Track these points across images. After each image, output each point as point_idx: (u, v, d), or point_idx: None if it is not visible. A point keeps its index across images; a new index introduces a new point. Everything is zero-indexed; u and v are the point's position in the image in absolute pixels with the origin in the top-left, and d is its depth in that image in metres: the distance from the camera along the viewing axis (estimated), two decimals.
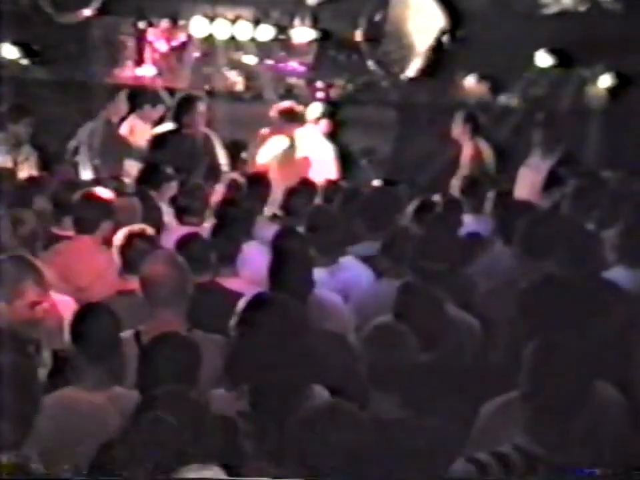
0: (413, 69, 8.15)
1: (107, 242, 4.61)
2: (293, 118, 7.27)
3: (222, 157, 7.02)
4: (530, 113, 7.69)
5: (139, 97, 7.97)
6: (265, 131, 7.37)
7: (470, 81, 8.09)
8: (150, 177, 6.10)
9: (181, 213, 5.41)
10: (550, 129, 7.26)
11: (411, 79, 8.16)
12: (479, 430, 3.05)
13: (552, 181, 6.65)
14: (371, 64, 8.22)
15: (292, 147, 7.22)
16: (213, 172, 6.73)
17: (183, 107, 7.01)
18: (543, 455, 2.68)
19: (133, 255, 4.20)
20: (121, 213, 4.87)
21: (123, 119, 7.75)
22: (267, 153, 7.27)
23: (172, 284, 3.70)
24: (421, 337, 3.18)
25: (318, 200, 5.70)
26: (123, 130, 7.72)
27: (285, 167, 6.85)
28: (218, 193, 6.02)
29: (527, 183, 6.81)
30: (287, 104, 7.51)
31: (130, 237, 4.29)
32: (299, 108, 7.40)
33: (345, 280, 4.41)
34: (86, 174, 7.35)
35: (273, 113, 7.34)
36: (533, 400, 2.75)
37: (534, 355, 2.78)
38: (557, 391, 2.72)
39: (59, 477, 2.79)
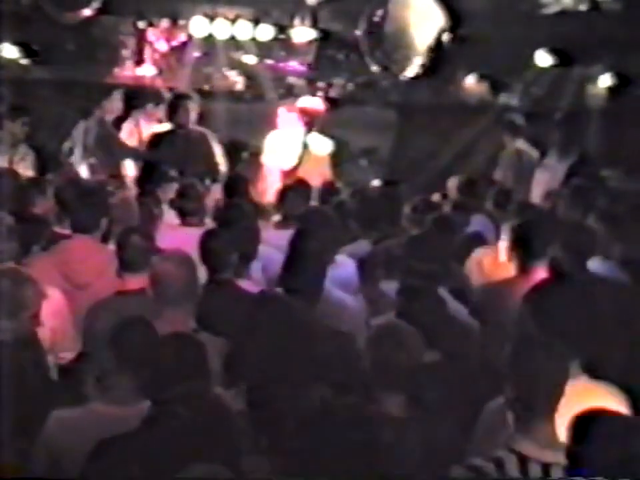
0: (412, 68, 8.16)
1: (106, 240, 4.63)
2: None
3: (219, 157, 7.02)
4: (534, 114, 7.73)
5: (139, 96, 7.99)
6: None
7: (470, 81, 8.10)
8: (149, 177, 6.11)
9: (180, 213, 5.41)
10: (567, 129, 7.28)
11: (411, 79, 8.17)
12: (479, 431, 3.06)
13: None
14: (370, 63, 8.24)
15: None
16: (211, 172, 6.74)
17: (175, 107, 7.02)
18: (536, 457, 2.69)
19: (130, 253, 4.21)
20: (119, 211, 4.88)
21: (119, 118, 7.75)
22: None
23: (180, 283, 3.73)
24: (423, 336, 3.20)
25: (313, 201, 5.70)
26: (125, 129, 7.73)
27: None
28: (215, 192, 6.03)
29: (543, 184, 6.80)
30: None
31: (127, 236, 4.30)
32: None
33: (340, 279, 4.42)
34: (82, 173, 7.35)
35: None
36: (516, 402, 2.77)
37: (513, 356, 2.80)
38: (540, 391, 2.74)
39: (58, 477, 2.81)
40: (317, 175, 6.86)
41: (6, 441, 2.79)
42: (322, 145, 7.62)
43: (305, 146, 7.45)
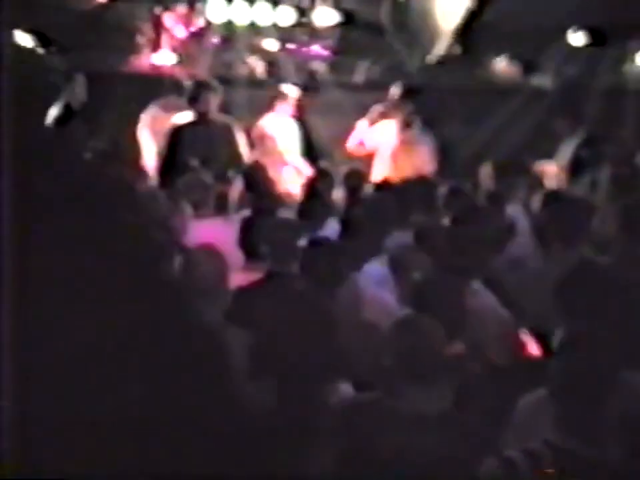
0: (439, 50, 8.18)
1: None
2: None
3: (243, 147, 7.07)
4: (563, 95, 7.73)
5: (157, 85, 8.06)
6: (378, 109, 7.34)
7: (500, 62, 8.12)
8: (170, 168, 6.20)
9: (199, 206, 5.51)
10: (572, 110, 7.29)
11: (438, 62, 8.19)
12: (512, 425, 3.13)
13: (577, 165, 6.68)
14: (396, 46, 8.27)
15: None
16: (234, 162, 6.80)
17: (198, 95, 7.07)
18: (574, 450, 2.75)
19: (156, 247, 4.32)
20: (143, 204, 4.99)
21: (84, 104, 7.76)
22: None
23: (209, 277, 3.85)
24: (445, 328, 3.28)
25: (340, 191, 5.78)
26: (144, 120, 7.81)
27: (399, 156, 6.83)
28: (238, 184, 6.12)
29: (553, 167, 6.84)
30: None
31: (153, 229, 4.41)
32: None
33: (373, 271, 4.50)
34: None
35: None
36: (562, 393, 2.83)
37: (563, 347, 2.86)
38: (587, 383, 2.79)
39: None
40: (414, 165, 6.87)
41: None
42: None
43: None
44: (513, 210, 5.64)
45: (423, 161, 7.17)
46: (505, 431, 3.12)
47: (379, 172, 7.06)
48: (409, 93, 7.28)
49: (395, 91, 7.33)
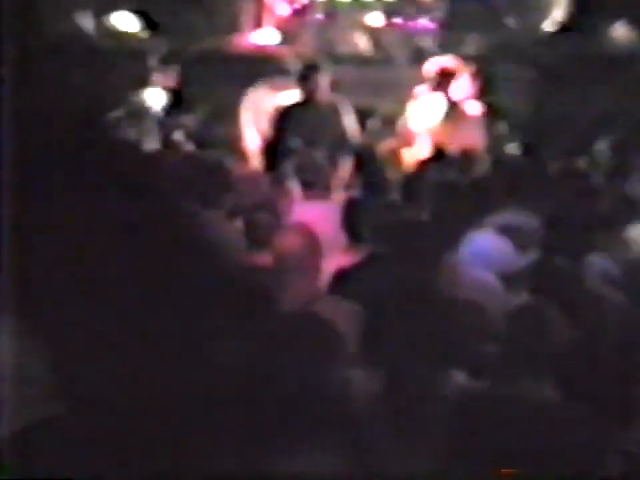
0: (552, 20, 8.03)
1: (232, 216, 4.79)
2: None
3: (351, 127, 7.02)
4: None
5: (260, 65, 8.11)
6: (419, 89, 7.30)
7: (618, 30, 7.91)
8: (275, 149, 6.24)
9: (305, 187, 5.53)
10: None
11: (551, 32, 8.04)
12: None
13: None
14: (506, 17, 8.14)
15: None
16: (341, 143, 6.78)
17: (307, 75, 7.05)
18: None
19: (259, 229, 4.37)
20: (245, 185, 5.04)
21: (181, 87, 7.80)
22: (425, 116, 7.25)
23: (305, 258, 3.87)
24: (559, 312, 3.21)
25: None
26: (247, 101, 7.85)
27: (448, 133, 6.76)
28: (345, 165, 6.12)
29: None
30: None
31: (255, 211, 4.46)
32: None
33: (485, 253, 4.44)
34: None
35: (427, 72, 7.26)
36: None
37: None
38: None
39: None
40: (467, 139, 6.75)
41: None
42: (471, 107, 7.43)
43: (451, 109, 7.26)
44: (632, 187, 5.49)
45: (471, 136, 6.99)
46: (630, 424, 3.03)
47: (427, 149, 6.90)
48: (446, 72, 7.08)
49: (430, 68, 7.16)
